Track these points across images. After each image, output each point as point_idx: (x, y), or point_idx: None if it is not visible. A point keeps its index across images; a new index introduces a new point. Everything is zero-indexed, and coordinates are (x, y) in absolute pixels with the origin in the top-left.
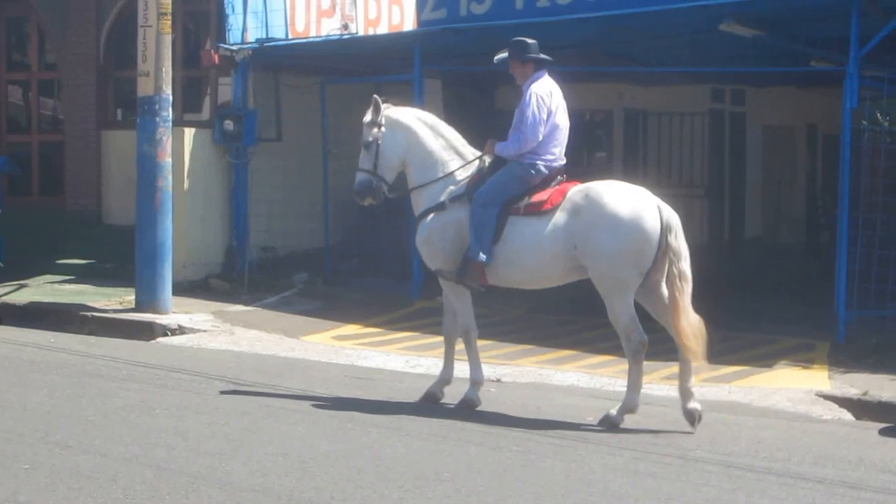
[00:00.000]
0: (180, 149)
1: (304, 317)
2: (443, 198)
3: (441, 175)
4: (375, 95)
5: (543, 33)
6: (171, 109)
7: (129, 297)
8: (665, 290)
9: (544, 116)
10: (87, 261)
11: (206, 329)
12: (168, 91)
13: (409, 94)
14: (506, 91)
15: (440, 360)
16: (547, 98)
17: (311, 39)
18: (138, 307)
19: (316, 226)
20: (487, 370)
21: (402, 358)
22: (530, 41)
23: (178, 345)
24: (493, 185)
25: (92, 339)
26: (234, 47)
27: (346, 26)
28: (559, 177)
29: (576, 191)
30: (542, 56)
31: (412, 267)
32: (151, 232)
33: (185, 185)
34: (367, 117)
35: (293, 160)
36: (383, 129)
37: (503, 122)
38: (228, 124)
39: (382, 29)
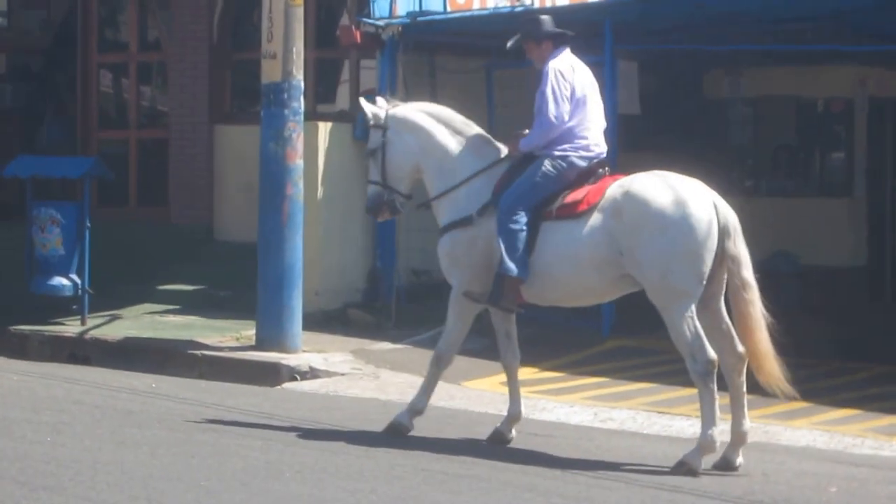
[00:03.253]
0: (313, 148)
1: (467, 357)
2: (469, 210)
3: (463, 179)
4: (362, 98)
5: (773, 3)
6: (302, 99)
7: (248, 331)
8: (720, 310)
9: (566, 93)
10: (196, 286)
11: (345, 372)
12: (299, 76)
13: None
14: (716, 76)
15: (637, 413)
16: (568, 73)
17: (475, 12)
18: (260, 345)
19: None
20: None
21: (589, 410)
22: (544, 16)
23: (309, 391)
24: (520, 187)
25: (202, 383)
26: (381, 22)
27: None
28: (600, 170)
29: (616, 186)
30: (560, 31)
31: None
32: (278, 251)
33: (319, 193)
34: (370, 121)
35: None
36: (388, 132)
37: (711, 113)
38: None
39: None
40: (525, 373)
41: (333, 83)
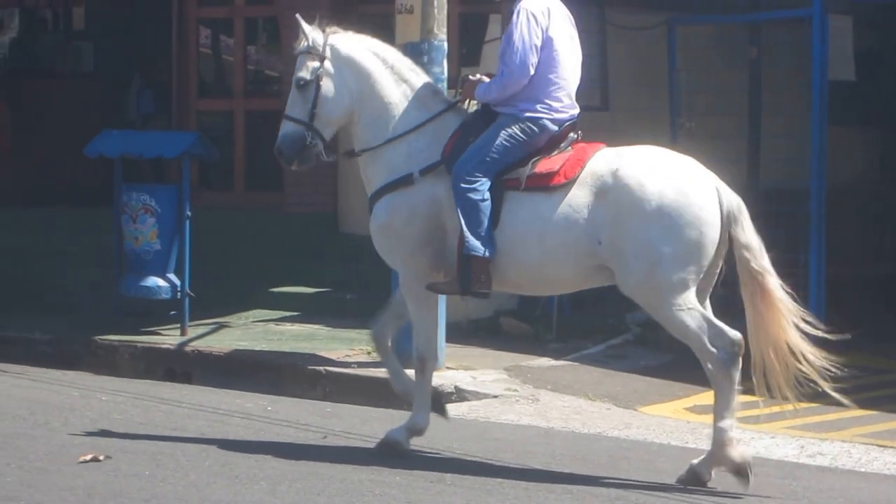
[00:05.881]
0: None
1: (643, 377)
2: (410, 169)
3: (402, 132)
4: (298, 15)
5: None
6: (446, 63)
7: None
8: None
9: (536, 41)
10: (317, 288)
11: (497, 393)
12: (442, 35)
13: (801, 38)
14: None
15: (852, 446)
16: (542, 17)
17: None
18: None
19: None
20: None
21: (794, 442)
22: None
23: (455, 417)
24: (482, 151)
25: (328, 406)
26: None
27: None
28: (571, 134)
29: (601, 160)
30: None
31: (808, 303)
32: None
33: None
34: (301, 45)
35: (626, 137)
36: (327, 63)
37: None
38: None
39: None
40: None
41: (479, 43)
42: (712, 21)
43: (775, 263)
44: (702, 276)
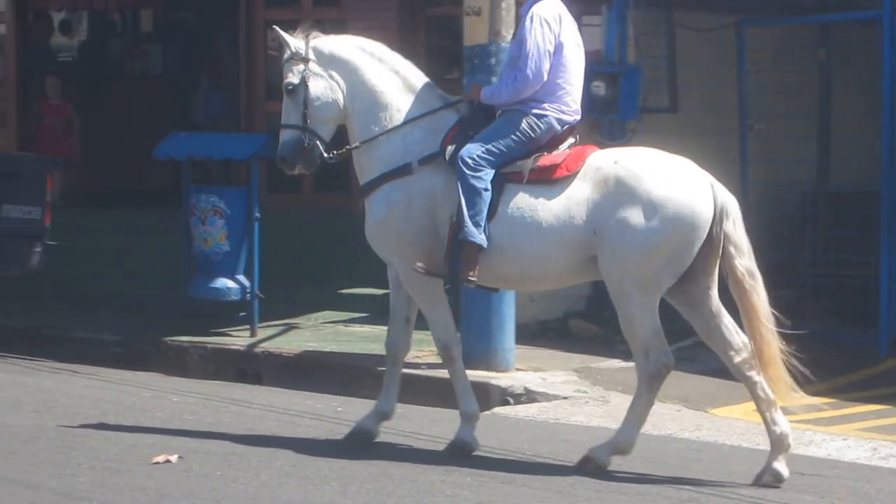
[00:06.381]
0: None
1: (714, 378)
2: (407, 159)
3: (398, 124)
4: (276, 27)
5: None
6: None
7: None
8: (719, 305)
9: (550, 48)
10: (386, 290)
11: (567, 395)
12: (510, 37)
13: (871, 40)
14: None
15: None
16: (554, 24)
17: None
18: (465, 361)
19: None
20: None
21: (866, 444)
22: None
23: (525, 418)
24: (489, 139)
25: (398, 407)
26: None
27: None
28: (571, 138)
29: (601, 157)
30: None
31: (879, 305)
32: None
33: None
34: (286, 54)
35: (694, 140)
36: (312, 65)
37: None
38: (598, 87)
39: None
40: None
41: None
42: (781, 23)
43: (845, 265)
44: (681, 273)
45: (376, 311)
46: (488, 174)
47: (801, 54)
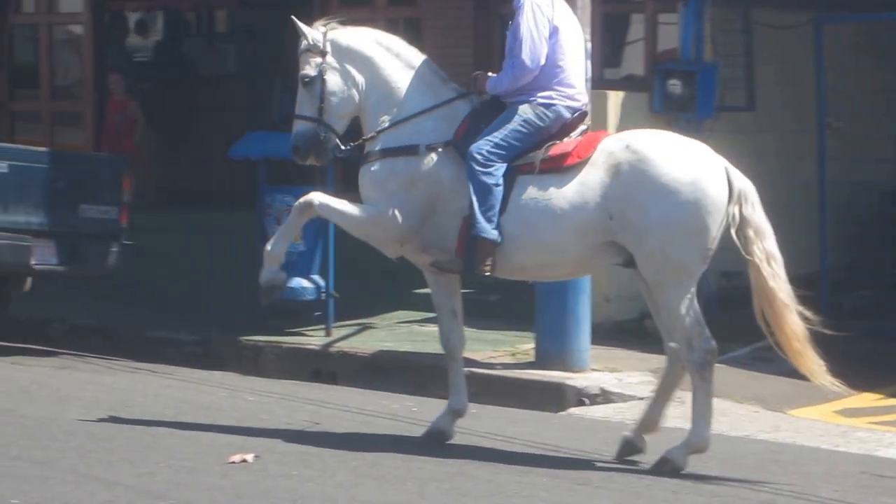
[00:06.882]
0: (601, 122)
1: (791, 380)
2: (416, 141)
3: (409, 115)
4: (294, 17)
5: None
6: (589, 63)
7: (524, 345)
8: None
9: (544, 32)
10: (461, 290)
11: (643, 396)
12: (585, 35)
13: None
14: None
15: None
16: (547, 8)
17: None
18: (540, 361)
19: (808, 239)
20: None
21: None
22: None
23: (601, 419)
24: (497, 136)
25: (473, 407)
26: None
27: None
28: (581, 126)
29: (613, 141)
30: None
31: None
32: None
33: None
34: (303, 44)
35: (772, 139)
36: (329, 58)
37: None
38: (674, 85)
39: None
40: (865, 399)
41: (622, 43)
42: (860, 19)
43: None
44: (710, 258)
45: None
46: (499, 169)
47: (880, 52)
